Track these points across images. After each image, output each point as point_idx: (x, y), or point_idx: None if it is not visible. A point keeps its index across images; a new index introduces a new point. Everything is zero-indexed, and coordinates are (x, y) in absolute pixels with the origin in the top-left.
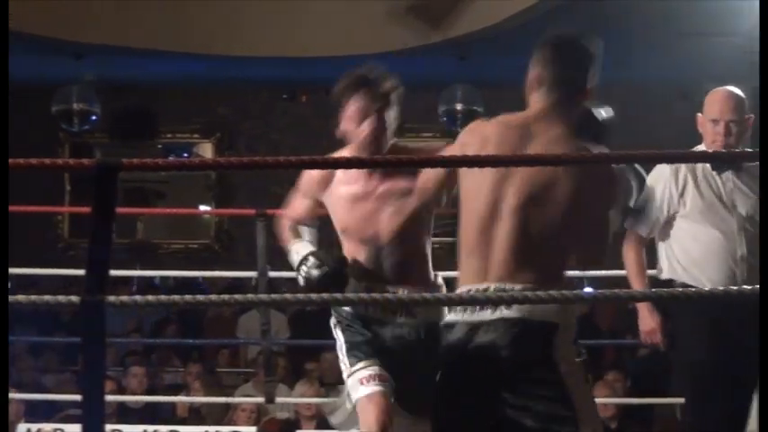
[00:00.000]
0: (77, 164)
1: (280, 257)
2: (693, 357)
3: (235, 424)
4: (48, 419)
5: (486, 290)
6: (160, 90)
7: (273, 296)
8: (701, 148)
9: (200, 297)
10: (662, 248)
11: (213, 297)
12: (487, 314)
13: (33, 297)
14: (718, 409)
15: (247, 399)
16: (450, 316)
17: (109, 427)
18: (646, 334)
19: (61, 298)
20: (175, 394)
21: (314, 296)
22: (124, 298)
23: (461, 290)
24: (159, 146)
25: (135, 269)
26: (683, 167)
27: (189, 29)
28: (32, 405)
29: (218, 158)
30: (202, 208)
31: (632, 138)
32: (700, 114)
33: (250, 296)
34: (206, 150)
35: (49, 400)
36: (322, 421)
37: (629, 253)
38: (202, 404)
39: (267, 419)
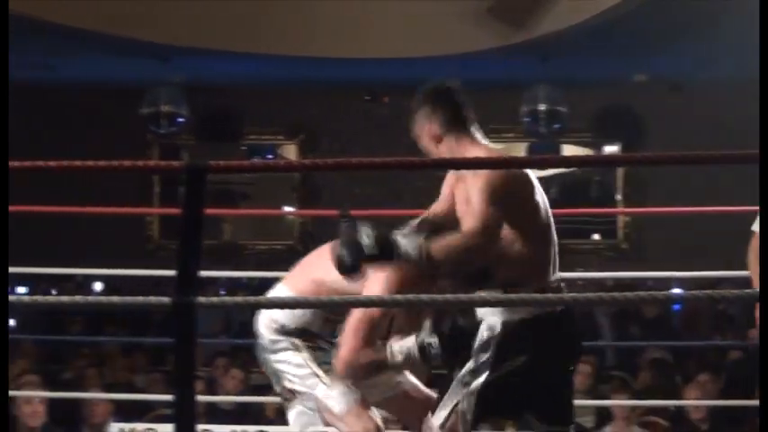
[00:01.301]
0: (167, 166)
1: None
2: None
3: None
4: (139, 419)
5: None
6: (245, 92)
7: (359, 297)
8: None
9: (287, 298)
10: None
11: (299, 298)
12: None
13: (126, 298)
14: None
15: None
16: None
17: (199, 427)
18: None
19: (153, 299)
20: (263, 394)
21: (411, 297)
22: (213, 299)
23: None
24: (244, 147)
25: (222, 270)
26: None
27: (273, 31)
28: (124, 405)
29: (303, 160)
30: (286, 209)
31: (724, 136)
32: None
33: (336, 297)
34: (289, 152)
35: (141, 400)
36: None
37: (752, 256)
38: None
39: None
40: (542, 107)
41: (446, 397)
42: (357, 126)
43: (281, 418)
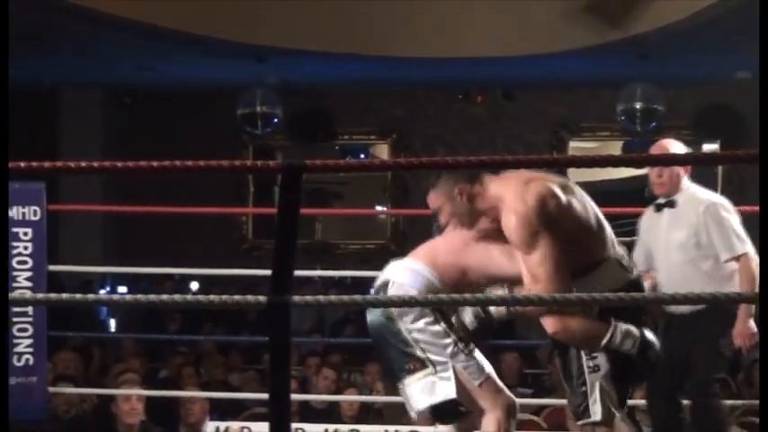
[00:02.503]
0: (264, 165)
1: None
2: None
3: (413, 424)
4: (235, 418)
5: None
6: (337, 92)
7: (453, 296)
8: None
9: (382, 297)
10: None
11: (394, 297)
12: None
13: (225, 297)
14: None
15: None
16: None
17: (292, 426)
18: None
19: (250, 298)
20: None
21: (494, 296)
22: (308, 298)
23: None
24: (336, 147)
25: (315, 269)
26: None
27: (366, 31)
28: (220, 403)
29: (398, 159)
30: (379, 208)
31: None
32: None
33: (430, 296)
34: (382, 151)
35: (236, 398)
36: None
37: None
38: (384, 404)
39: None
40: (639, 105)
41: (588, 392)
42: (450, 125)
43: (373, 417)
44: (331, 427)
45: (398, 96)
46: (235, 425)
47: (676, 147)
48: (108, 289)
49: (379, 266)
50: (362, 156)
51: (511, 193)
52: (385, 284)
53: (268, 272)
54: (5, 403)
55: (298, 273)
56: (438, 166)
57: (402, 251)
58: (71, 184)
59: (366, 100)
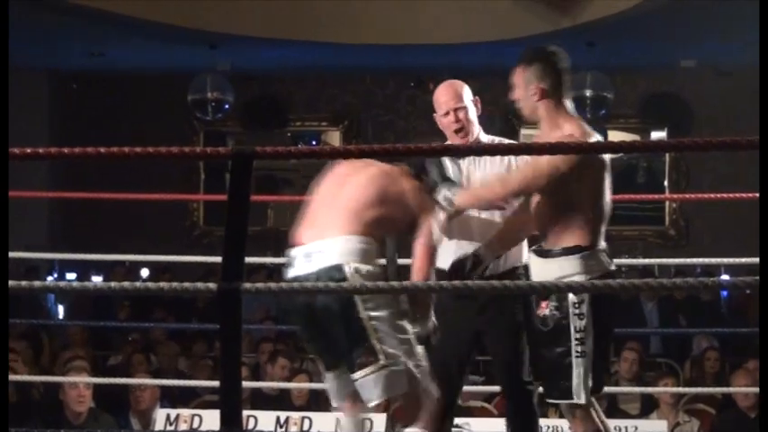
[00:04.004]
0: (214, 152)
1: (407, 245)
2: None
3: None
4: (186, 405)
5: None
6: (289, 79)
7: (404, 283)
8: None
9: (332, 284)
10: None
11: (345, 284)
12: None
13: (175, 284)
14: None
15: None
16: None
17: (244, 413)
18: None
19: (200, 285)
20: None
21: (445, 284)
22: (259, 285)
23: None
24: (288, 134)
25: (266, 257)
26: None
27: (319, 18)
28: (171, 391)
29: (349, 146)
30: None
31: None
32: None
33: (380, 283)
34: (333, 138)
35: (187, 386)
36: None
37: None
38: None
39: (397, 406)
40: (588, 93)
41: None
42: (402, 112)
43: (325, 404)
44: (283, 414)
45: (350, 83)
46: (186, 412)
47: (467, 90)
48: (56, 276)
49: None
50: (314, 143)
51: None
52: (337, 267)
53: (219, 259)
54: (5, 403)
55: (249, 260)
56: (389, 153)
57: None
58: (16, 170)
59: (318, 87)
